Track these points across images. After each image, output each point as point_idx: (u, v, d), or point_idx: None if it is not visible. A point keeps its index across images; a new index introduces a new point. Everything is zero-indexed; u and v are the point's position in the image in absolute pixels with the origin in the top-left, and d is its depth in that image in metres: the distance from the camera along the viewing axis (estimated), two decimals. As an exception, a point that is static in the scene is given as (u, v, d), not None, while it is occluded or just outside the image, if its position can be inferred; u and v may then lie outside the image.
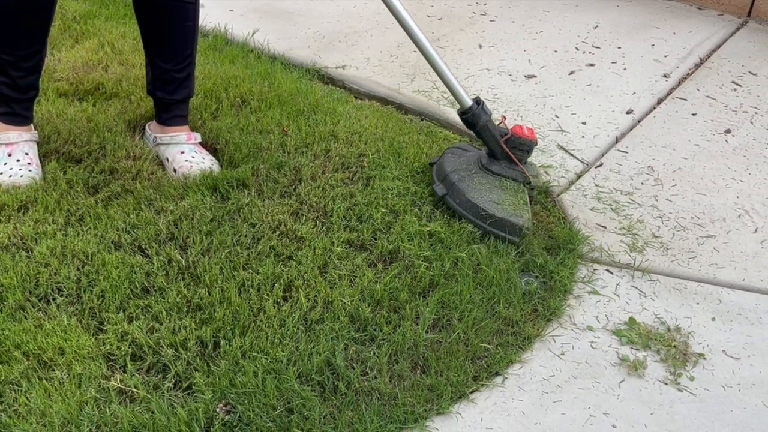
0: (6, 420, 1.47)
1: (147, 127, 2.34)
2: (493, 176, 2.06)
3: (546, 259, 1.95)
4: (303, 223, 2.01)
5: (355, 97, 2.78)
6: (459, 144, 2.28)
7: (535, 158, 2.39)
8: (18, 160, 2.11)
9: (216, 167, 2.22)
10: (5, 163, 2.10)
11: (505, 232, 1.96)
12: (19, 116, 2.16)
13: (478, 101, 2.07)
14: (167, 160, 2.23)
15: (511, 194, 2.02)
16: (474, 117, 2.06)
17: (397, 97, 2.75)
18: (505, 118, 2.12)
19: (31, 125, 2.21)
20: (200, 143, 2.31)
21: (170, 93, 2.23)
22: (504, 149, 2.05)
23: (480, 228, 1.98)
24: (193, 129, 2.36)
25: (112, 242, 1.91)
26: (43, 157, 2.18)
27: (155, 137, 2.27)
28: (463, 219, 2.01)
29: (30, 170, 2.10)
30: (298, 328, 1.70)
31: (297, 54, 3.01)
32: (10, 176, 2.08)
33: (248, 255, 1.89)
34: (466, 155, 2.15)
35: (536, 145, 2.09)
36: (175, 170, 2.19)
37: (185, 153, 2.23)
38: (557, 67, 2.96)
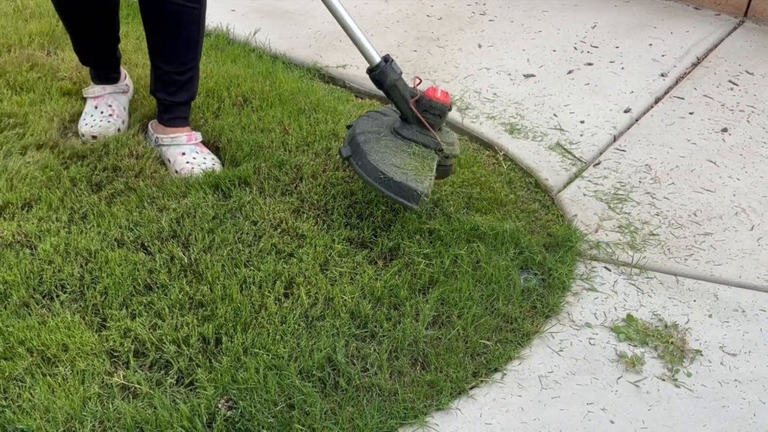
0: (10, 415, 1.49)
1: (149, 126, 2.35)
2: (403, 140, 1.95)
3: (545, 257, 1.96)
4: (304, 220, 2.02)
5: (356, 96, 2.80)
6: (381, 109, 2.18)
7: (535, 156, 2.40)
8: (102, 112, 2.35)
9: (218, 166, 2.23)
10: (91, 116, 2.35)
11: (403, 198, 1.85)
12: (107, 77, 2.42)
13: (386, 59, 1.95)
14: (169, 161, 2.25)
15: (418, 160, 1.91)
16: (381, 74, 1.93)
17: (396, 96, 2.76)
18: (420, 81, 2.00)
19: (122, 79, 2.47)
20: (202, 142, 2.32)
21: (171, 95, 2.24)
22: (413, 111, 1.92)
23: (378, 191, 1.89)
24: (195, 128, 2.38)
25: (115, 240, 1.92)
26: (44, 151, 2.19)
27: (157, 138, 2.29)
28: (364, 182, 1.92)
29: (109, 121, 2.33)
30: (299, 325, 1.72)
31: (298, 53, 3.02)
32: (91, 126, 2.31)
33: (250, 252, 1.90)
34: (382, 119, 2.05)
35: (450, 109, 1.94)
36: (176, 171, 2.21)
37: (186, 154, 2.24)
38: (556, 67, 2.97)
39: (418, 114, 1.92)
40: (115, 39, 2.34)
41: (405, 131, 1.95)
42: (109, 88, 2.42)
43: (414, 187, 1.84)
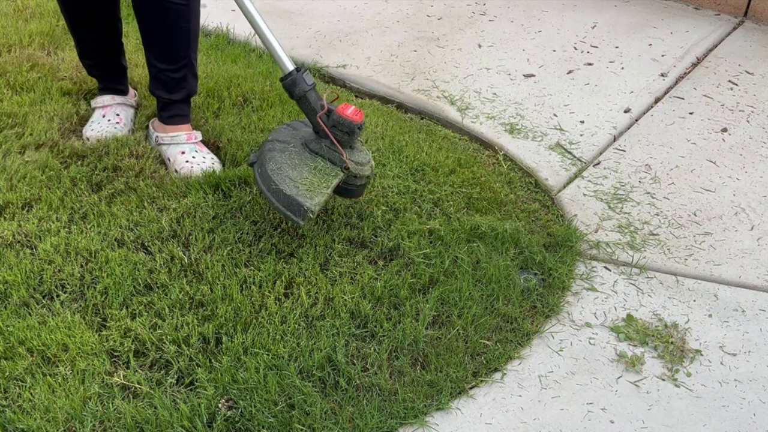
0: (10, 415, 1.49)
1: (150, 125, 2.36)
2: (310, 154, 1.89)
3: (545, 257, 1.96)
4: (304, 220, 2.02)
5: (356, 96, 2.80)
6: (305, 119, 2.11)
7: (535, 156, 2.40)
8: (109, 120, 2.36)
9: (217, 166, 2.23)
10: (98, 123, 2.36)
11: (290, 211, 1.80)
12: (114, 89, 2.44)
13: (299, 68, 1.90)
14: (169, 160, 2.25)
15: (318, 176, 1.85)
16: (291, 83, 1.88)
17: (397, 96, 2.76)
18: (337, 97, 1.96)
19: (130, 94, 2.49)
20: (201, 141, 2.32)
21: (169, 92, 2.25)
22: (320, 125, 1.86)
23: (269, 202, 1.84)
24: (196, 127, 2.38)
25: (115, 240, 1.92)
26: (44, 150, 2.20)
27: (157, 136, 2.29)
28: (259, 191, 1.88)
29: (116, 127, 2.34)
30: (299, 325, 1.72)
31: (298, 53, 3.02)
32: (98, 132, 2.32)
33: (250, 252, 1.91)
34: (300, 130, 1.99)
35: (361, 129, 1.86)
36: (176, 171, 2.21)
37: (186, 153, 2.24)
38: (556, 67, 2.97)
39: (326, 129, 1.87)
40: (117, 38, 2.35)
41: (314, 145, 1.91)
42: (118, 98, 2.43)
43: (301, 202, 1.79)
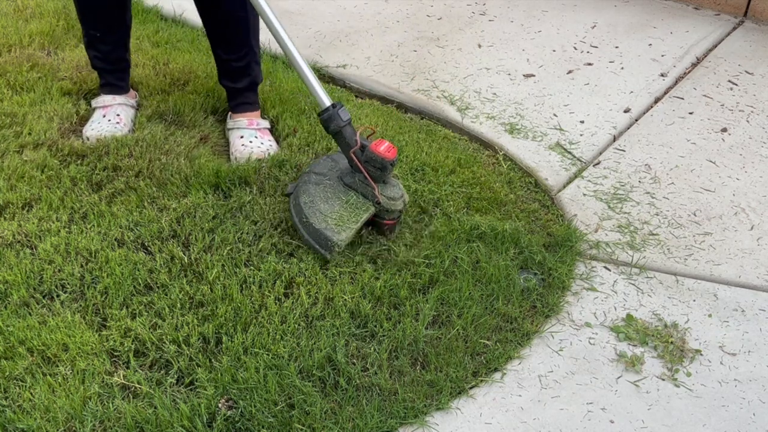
0: (11, 415, 1.49)
1: (228, 116, 2.47)
2: (344, 187, 1.95)
3: (544, 256, 1.96)
4: (304, 220, 2.02)
5: (356, 96, 2.80)
6: None
7: (535, 156, 2.40)
8: (109, 120, 2.37)
9: (273, 150, 2.31)
10: (98, 122, 2.37)
11: (318, 244, 1.87)
12: (114, 86, 2.45)
13: (335, 105, 1.95)
14: (230, 145, 2.35)
15: (348, 210, 1.91)
16: (327, 119, 1.94)
17: (397, 96, 2.76)
18: (373, 132, 1.99)
19: (131, 93, 2.51)
20: (266, 129, 2.40)
21: (233, 81, 2.37)
22: (354, 160, 1.91)
23: (300, 234, 1.91)
24: (197, 126, 2.42)
25: (115, 239, 1.93)
26: (44, 150, 2.20)
27: (227, 123, 2.41)
28: (292, 222, 1.95)
29: (116, 127, 2.34)
30: (299, 325, 1.72)
31: (297, 53, 3.02)
32: (98, 132, 2.33)
33: (250, 252, 1.91)
34: (341, 162, 2.05)
35: (393, 165, 1.90)
36: (233, 154, 2.30)
37: (244, 138, 2.32)
38: (556, 67, 2.97)
39: (359, 164, 1.91)
40: (126, 30, 2.39)
41: (348, 178, 1.96)
42: (118, 98, 2.44)
43: (329, 236, 1.85)
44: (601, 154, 2.46)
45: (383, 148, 1.89)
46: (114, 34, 2.35)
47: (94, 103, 2.44)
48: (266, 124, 2.40)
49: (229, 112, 2.45)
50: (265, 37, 3.09)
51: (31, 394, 1.54)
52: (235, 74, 2.35)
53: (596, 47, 3.13)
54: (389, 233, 1.99)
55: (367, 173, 1.91)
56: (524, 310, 1.84)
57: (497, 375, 1.67)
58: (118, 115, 2.39)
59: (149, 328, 1.69)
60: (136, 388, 1.57)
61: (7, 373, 1.58)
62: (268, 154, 2.28)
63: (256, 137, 2.33)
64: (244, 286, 1.81)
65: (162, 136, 2.32)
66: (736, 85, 2.85)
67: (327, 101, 1.96)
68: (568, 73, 2.93)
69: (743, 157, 2.43)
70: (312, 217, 1.88)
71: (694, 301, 1.89)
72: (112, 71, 2.43)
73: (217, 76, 2.42)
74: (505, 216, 2.12)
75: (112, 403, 1.53)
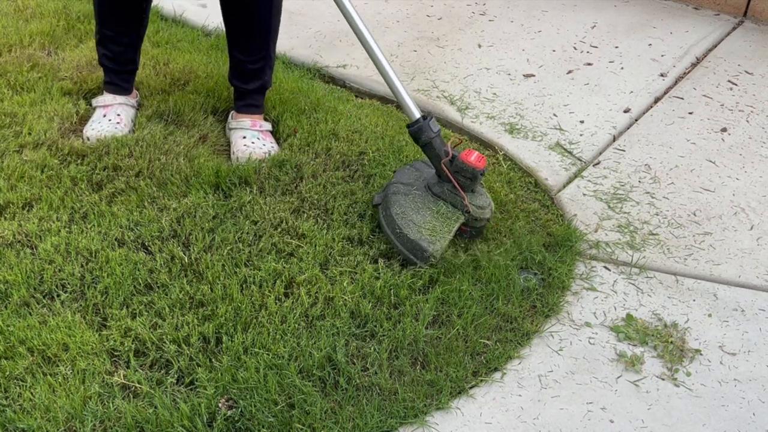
0: (11, 415, 1.49)
1: (230, 116, 2.47)
2: (433, 197, 1.96)
3: (544, 256, 1.97)
4: (304, 220, 2.03)
5: (356, 96, 2.80)
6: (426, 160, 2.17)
7: (535, 155, 2.41)
8: (110, 120, 2.36)
9: (275, 152, 2.32)
10: (99, 122, 2.36)
11: (412, 254, 1.88)
12: (119, 86, 2.44)
13: (425, 116, 1.98)
14: (231, 144, 2.35)
15: (440, 220, 1.92)
16: (418, 130, 1.96)
17: (396, 96, 2.76)
18: (461, 141, 2.00)
19: (133, 93, 2.50)
20: (268, 131, 2.41)
21: (244, 82, 2.38)
22: (444, 170, 1.93)
23: (393, 244, 1.92)
24: (198, 126, 2.43)
25: (115, 239, 1.93)
26: (44, 150, 2.20)
27: (229, 122, 2.42)
28: (383, 232, 1.96)
29: (116, 127, 2.34)
30: (299, 324, 1.72)
31: (298, 53, 3.03)
32: (98, 132, 2.32)
33: (250, 252, 1.91)
34: (425, 171, 2.07)
35: (483, 174, 1.93)
36: (234, 153, 2.31)
37: (246, 138, 2.33)
38: (555, 67, 2.98)
39: (450, 174, 1.93)
40: (140, 32, 2.40)
41: (436, 188, 1.97)
42: (120, 98, 2.43)
43: (425, 247, 1.87)
44: (601, 154, 2.46)
45: (473, 158, 1.91)
46: (127, 37, 2.36)
47: (95, 102, 2.44)
48: (268, 126, 2.41)
49: (233, 112, 2.45)
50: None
51: (32, 393, 1.54)
52: (247, 76, 2.36)
53: (596, 47, 3.13)
54: (476, 237, 2.01)
55: (457, 183, 1.93)
56: (524, 309, 1.84)
57: (497, 375, 1.67)
58: (118, 115, 2.39)
59: (149, 328, 1.69)
60: (136, 387, 1.58)
61: (8, 373, 1.58)
62: (269, 155, 2.28)
63: (258, 139, 2.33)
64: (244, 285, 1.81)
65: (161, 136, 2.33)
66: (736, 85, 2.85)
67: (417, 113, 1.99)
68: (568, 73, 2.93)
69: (743, 157, 2.43)
70: (405, 228, 1.89)
71: (694, 300, 1.89)
72: (119, 72, 2.42)
73: (228, 75, 2.42)
74: (505, 216, 2.12)
75: (113, 402, 1.53)
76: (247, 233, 1.97)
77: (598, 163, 2.41)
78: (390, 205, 1.95)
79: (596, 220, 2.15)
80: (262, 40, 2.30)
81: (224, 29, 2.35)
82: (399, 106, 1.99)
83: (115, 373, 1.60)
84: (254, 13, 2.25)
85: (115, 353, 1.65)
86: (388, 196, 1.97)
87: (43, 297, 1.77)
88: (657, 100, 2.76)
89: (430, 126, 1.96)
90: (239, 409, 1.53)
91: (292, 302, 1.77)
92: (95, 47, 2.42)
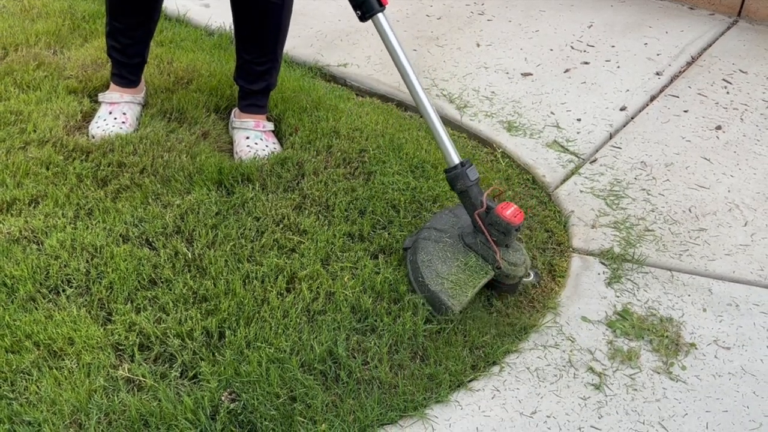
0: (17, 408, 1.51)
1: (232, 113, 2.48)
2: (464, 248, 1.86)
3: (542, 252, 1.99)
4: (306, 216, 2.05)
5: (357, 95, 2.82)
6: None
7: (533, 153, 2.43)
8: (115, 118, 2.38)
9: (277, 152, 2.34)
10: (104, 120, 2.38)
11: (431, 305, 1.81)
12: (126, 79, 2.46)
13: (464, 163, 1.86)
14: (234, 143, 2.37)
15: (467, 273, 1.82)
16: (453, 178, 1.86)
17: (397, 94, 2.79)
18: (502, 192, 1.86)
19: (139, 88, 2.51)
20: (271, 131, 2.42)
21: (249, 83, 2.38)
22: (477, 222, 1.83)
23: (415, 291, 1.85)
24: (199, 124, 2.44)
25: (120, 235, 1.95)
26: (49, 147, 2.22)
27: (232, 121, 2.43)
28: (408, 277, 1.89)
29: (121, 127, 2.36)
30: (301, 319, 1.74)
31: (300, 52, 3.05)
32: (103, 130, 2.35)
33: (252, 248, 1.93)
34: (463, 218, 1.96)
35: (518, 230, 1.80)
36: (237, 153, 2.33)
37: (249, 138, 2.35)
38: (553, 65, 3.00)
39: (482, 226, 1.82)
40: (151, 27, 2.41)
41: (469, 238, 1.86)
42: (126, 96, 2.44)
43: (443, 300, 1.78)
44: (597, 151, 2.49)
45: (509, 212, 1.79)
46: (137, 30, 2.37)
47: (102, 97, 2.45)
48: (271, 126, 2.42)
49: (235, 110, 2.46)
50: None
51: (38, 387, 1.56)
52: (253, 77, 2.36)
53: (593, 46, 3.16)
54: (510, 293, 1.91)
55: (490, 236, 1.82)
56: (522, 304, 1.86)
57: (495, 368, 1.70)
58: (124, 113, 2.40)
59: (153, 323, 1.71)
60: (140, 381, 1.59)
61: (14, 367, 1.59)
62: (272, 155, 2.30)
63: (261, 139, 2.35)
64: (246, 281, 1.83)
65: (164, 134, 2.35)
66: (730, 83, 2.88)
67: (456, 158, 1.87)
68: (565, 72, 2.96)
69: (737, 155, 2.46)
70: (428, 278, 1.81)
71: (689, 295, 1.92)
72: (126, 64, 2.43)
73: (233, 74, 2.42)
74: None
75: (117, 396, 1.55)
76: (250, 229, 1.99)
77: (594, 161, 2.43)
78: (418, 251, 1.87)
79: (593, 217, 2.18)
80: (272, 44, 2.31)
81: (233, 31, 2.34)
82: (438, 148, 1.84)
83: (120, 367, 1.62)
84: (267, 21, 2.25)
85: (120, 347, 1.67)
86: (418, 241, 1.89)
87: (49, 292, 1.79)
88: (653, 98, 2.79)
89: (467, 174, 1.85)
90: (242, 402, 1.55)
91: (294, 297, 1.80)
92: (104, 39, 2.43)
